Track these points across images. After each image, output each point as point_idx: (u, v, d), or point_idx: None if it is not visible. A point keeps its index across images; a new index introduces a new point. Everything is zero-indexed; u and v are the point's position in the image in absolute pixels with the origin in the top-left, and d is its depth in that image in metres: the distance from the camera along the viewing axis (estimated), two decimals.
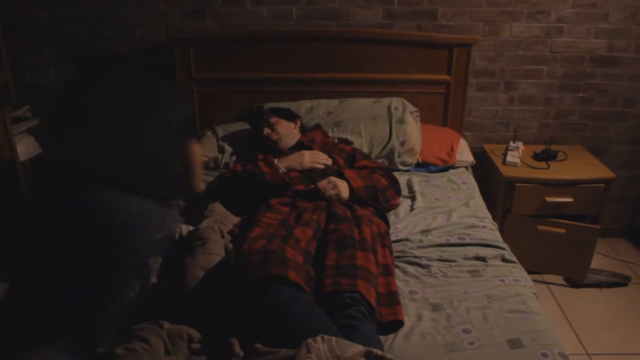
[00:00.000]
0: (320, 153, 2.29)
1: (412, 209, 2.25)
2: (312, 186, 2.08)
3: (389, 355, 1.22)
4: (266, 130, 2.42)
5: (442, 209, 2.23)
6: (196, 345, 1.45)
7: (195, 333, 1.49)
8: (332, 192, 2.03)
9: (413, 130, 2.68)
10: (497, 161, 2.81)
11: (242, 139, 2.68)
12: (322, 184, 2.06)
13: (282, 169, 2.18)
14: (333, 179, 2.09)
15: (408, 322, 1.58)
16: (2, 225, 2.11)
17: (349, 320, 1.45)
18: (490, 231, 2.08)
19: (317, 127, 2.62)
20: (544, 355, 1.43)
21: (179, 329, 1.47)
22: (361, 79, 2.85)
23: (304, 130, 2.58)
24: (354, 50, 2.81)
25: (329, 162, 2.26)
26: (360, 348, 1.23)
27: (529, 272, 2.81)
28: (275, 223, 1.81)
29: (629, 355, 2.33)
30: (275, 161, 2.21)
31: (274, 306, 1.44)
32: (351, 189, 2.08)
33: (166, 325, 1.48)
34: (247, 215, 2.00)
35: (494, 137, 3.09)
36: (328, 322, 1.42)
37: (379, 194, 2.15)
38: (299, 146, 2.40)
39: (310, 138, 2.46)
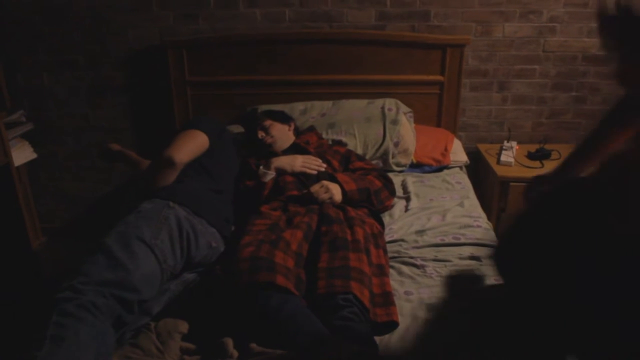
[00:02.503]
0: (314, 158, 2.28)
1: (406, 210, 2.26)
2: (305, 191, 2.08)
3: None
4: (260, 134, 2.42)
5: (436, 209, 2.23)
6: (188, 345, 1.46)
7: (184, 327, 1.50)
8: (325, 196, 2.03)
9: (407, 131, 2.68)
10: (492, 161, 2.82)
11: (236, 141, 2.68)
12: (315, 188, 2.06)
13: (271, 174, 2.18)
14: (325, 182, 2.08)
15: (403, 322, 1.58)
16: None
17: (342, 321, 1.45)
18: (485, 231, 2.09)
19: (311, 129, 2.62)
20: None
21: (167, 328, 1.47)
22: (354, 81, 2.85)
23: (298, 132, 2.58)
24: (347, 52, 2.81)
25: (322, 168, 2.25)
26: (353, 348, 1.23)
27: None
28: (265, 229, 1.81)
29: None
30: (262, 167, 2.21)
31: (264, 312, 1.44)
32: (344, 192, 2.08)
33: (153, 323, 1.49)
34: (236, 227, 2.02)
35: (488, 137, 3.09)
36: (319, 324, 1.43)
37: (373, 195, 2.15)
38: (294, 148, 2.40)
39: (305, 140, 2.46)
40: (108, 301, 1.40)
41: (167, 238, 1.66)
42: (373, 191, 2.16)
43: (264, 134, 2.41)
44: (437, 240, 2.00)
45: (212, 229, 1.84)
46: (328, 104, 2.79)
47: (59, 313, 1.32)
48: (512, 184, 2.67)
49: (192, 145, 2.03)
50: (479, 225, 2.11)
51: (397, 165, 2.64)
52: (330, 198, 2.03)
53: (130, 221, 1.66)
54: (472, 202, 2.32)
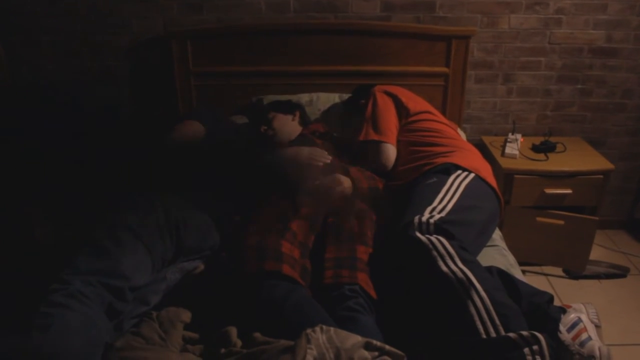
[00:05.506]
0: (321, 150, 2.27)
1: None
2: (317, 182, 2.07)
3: (387, 347, 1.22)
4: (262, 128, 2.42)
5: None
6: (191, 334, 1.46)
7: (187, 315, 1.49)
8: (336, 189, 2.02)
9: None
10: (496, 153, 2.81)
11: (241, 132, 2.67)
12: (327, 179, 2.05)
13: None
14: (338, 175, 2.07)
15: None
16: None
17: (348, 312, 1.45)
18: None
19: (318, 121, 2.61)
20: None
21: (169, 316, 1.47)
22: (359, 72, 2.84)
23: (305, 122, 2.55)
24: (352, 43, 2.80)
25: (328, 160, 2.24)
26: (359, 338, 1.23)
27: (528, 263, 2.83)
28: (272, 218, 1.80)
29: (627, 346, 2.33)
30: None
31: (270, 300, 1.44)
32: (354, 188, 2.07)
33: (155, 312, 1.49)
34: (241, 216, 2.02)
35: (493, 129, 3.08)
36: (324, 314, 1.42)
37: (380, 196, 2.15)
38: (301, 139, 2.39)
39: (312, 130, 2.45)
40: (96, 289, 1.42)
41: (154, 224, 1.67)
42: (381, 192, 2.15)
43: (265, 128, 2.41)
44: None
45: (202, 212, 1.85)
46: (334, 96, 2.78)
47: (45, 304, 1.34)
48: (516, 176, 2.66)
49: (187, 133, 2.06)
50: None
51: None
52: (341, 192, 2.02)
53: (118, 211, 1.69)
54: None
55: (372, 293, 1.53)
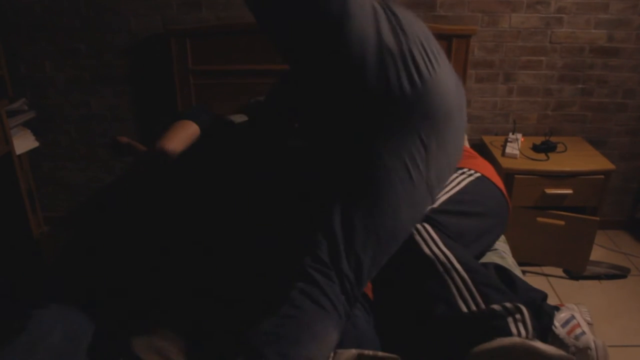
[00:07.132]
0: None
1: None
2: None
3: (380, 353, 1.20)
4: None
5: None
6: None
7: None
8: None
9: None
10: (496, 153, 2.80)
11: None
12: None
13: None
14: None
15: None
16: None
17: None
18: None
19: None
20: None
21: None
22: None
23: None
24: None
25: None
26: (352, 352, 1.21)
27: (528, 264, 2.81)
28: None
29: (628, 347, 2.32)
30: None
31: None
32: None
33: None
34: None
35: (493, 128, 3.07)
36: None
37: None
38: None
39: None
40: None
41: None
42: None
43: None
44: None
45: None
46: None
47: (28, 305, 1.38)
48: (516, 176, 2.65)
49: (183, 135, 2.05)
50: None
51: None
52: None
53: None
54: None
55: (369, 292, 1.52)
